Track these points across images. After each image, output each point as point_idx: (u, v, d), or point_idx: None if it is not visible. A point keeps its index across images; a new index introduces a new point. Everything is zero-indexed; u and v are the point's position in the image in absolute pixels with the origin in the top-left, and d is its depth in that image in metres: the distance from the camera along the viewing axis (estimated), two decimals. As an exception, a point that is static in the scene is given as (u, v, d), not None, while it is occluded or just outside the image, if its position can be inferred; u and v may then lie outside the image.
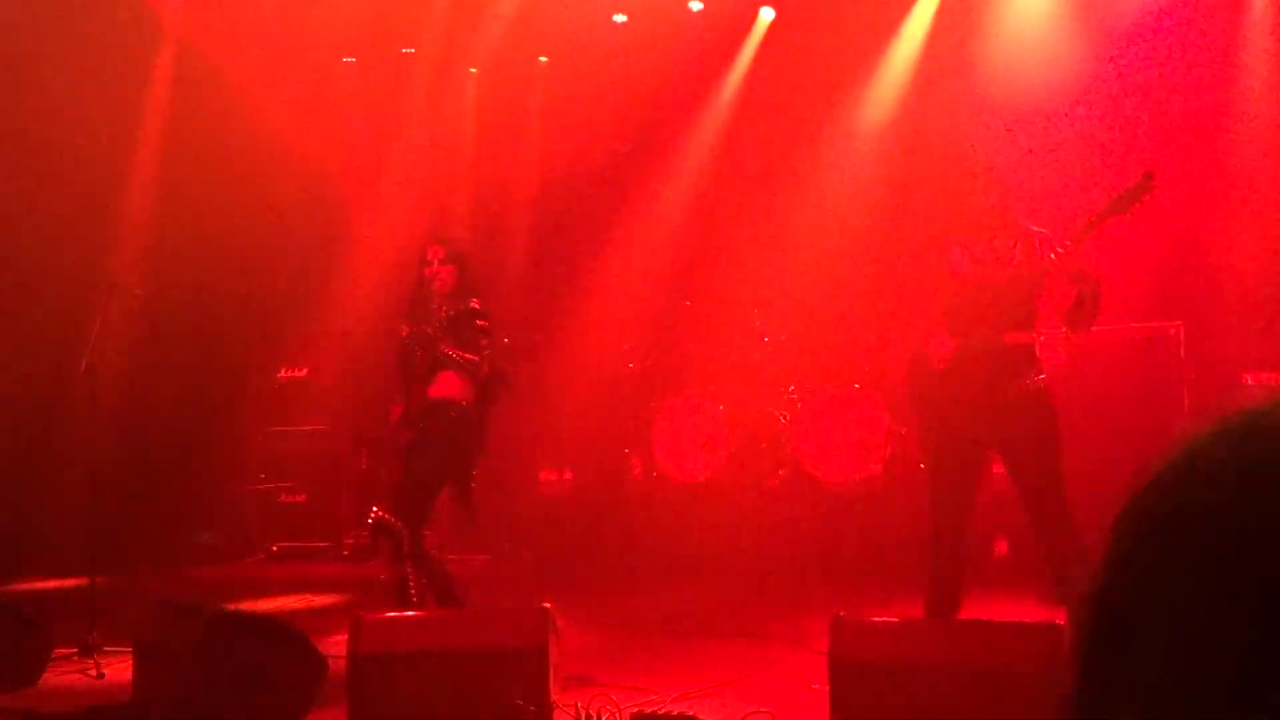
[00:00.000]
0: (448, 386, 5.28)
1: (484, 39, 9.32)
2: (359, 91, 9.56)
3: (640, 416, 8.40)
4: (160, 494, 8.50)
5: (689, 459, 8.10)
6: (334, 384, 9.01)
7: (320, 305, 9.29)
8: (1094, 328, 4.52)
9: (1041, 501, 4.44)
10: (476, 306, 5.34)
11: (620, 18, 9.19)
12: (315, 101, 9.29)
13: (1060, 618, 4.42)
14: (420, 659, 4.14)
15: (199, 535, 8.87)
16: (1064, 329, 4.63)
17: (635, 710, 4.22)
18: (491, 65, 9.55)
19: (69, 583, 6.78)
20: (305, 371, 9.08)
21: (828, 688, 3.79)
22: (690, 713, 4.19)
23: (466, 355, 5.26)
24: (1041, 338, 4.59)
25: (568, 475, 8.82)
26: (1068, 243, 4.24)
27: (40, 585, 7.43)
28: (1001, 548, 7.06)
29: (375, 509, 5.22)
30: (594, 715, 4.17)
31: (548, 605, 4.40)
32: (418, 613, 4.86)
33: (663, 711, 4.28)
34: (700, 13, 9.15)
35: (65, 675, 5.34)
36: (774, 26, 9.42)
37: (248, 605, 6.81)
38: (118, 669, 5.23)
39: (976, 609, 4.87)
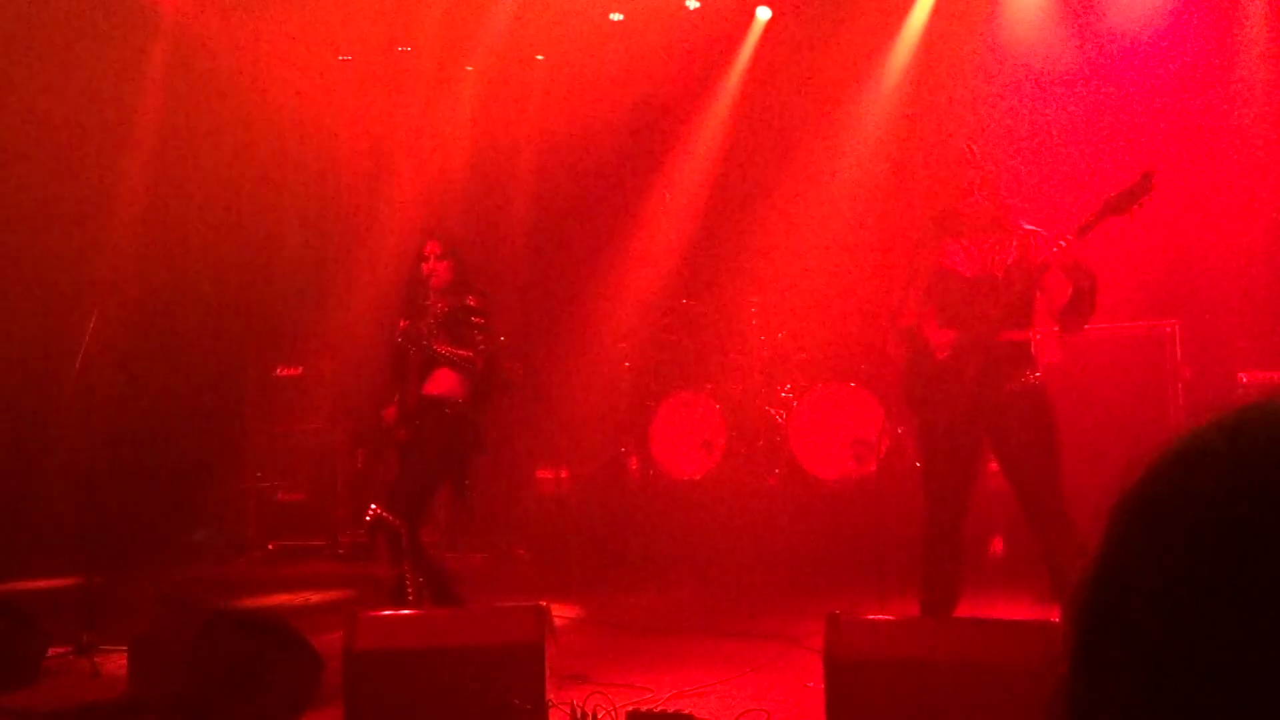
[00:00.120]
0: (444, 384, 5.27)
1: (481, 37, 9.32)
2: (356, 89, 9.55)
3: (637, 415, 8.40)
4: (156, 492, 8.49)
5: (686, 457, 8.10)
6: (331, 382, 9.00)
7: (317, 303, 9.29)
8: (1089, 326, 4.53)
9: (1037, 499, 4.44)
10: (473, 303, 5.32)
11: (617, 16, 9.19)
12: (311, 100, 9.28)
13: (1056, 616, 4.43)
14: (416, 657, 4.14)
15: (195, 533, 8.86)
16: (1055, 328, 4.64)
17: (631, 708, 4.22)
18: (488, 63, 9.54)
19: (65, 581, 6.77)
20: (302, 370, 9.07)
21: (823, 686, 3.79)
22: (686, 711, 4.20)
23: (462, 352, 5.24)
24: (1037, 336, 4.59)
25: (564, 473, 8.83)
26: (1070, 236, 4.24)
27: (36, 584, 7.42)
28: (998, 546, 7.07)
29: (373, 507, 5.20)
30: (590, 713, 4.17)
31: (544, 603, 4.40)
32: (413, 610, 4.85)
33: (658, 710, 4.28)
34: (697, 11, 9.15)
35: (61, 674, 5.33)
36: (771, 25, 9.42)
37: (244, 603, 6.81)
38: (113, 667, 5.22)
39: (973, 607, 4.87)
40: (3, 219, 8.30)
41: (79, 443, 6.05)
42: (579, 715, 4.16)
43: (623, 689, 4.67)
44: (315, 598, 7.17)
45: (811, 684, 4.24)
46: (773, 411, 8.06)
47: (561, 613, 5.93)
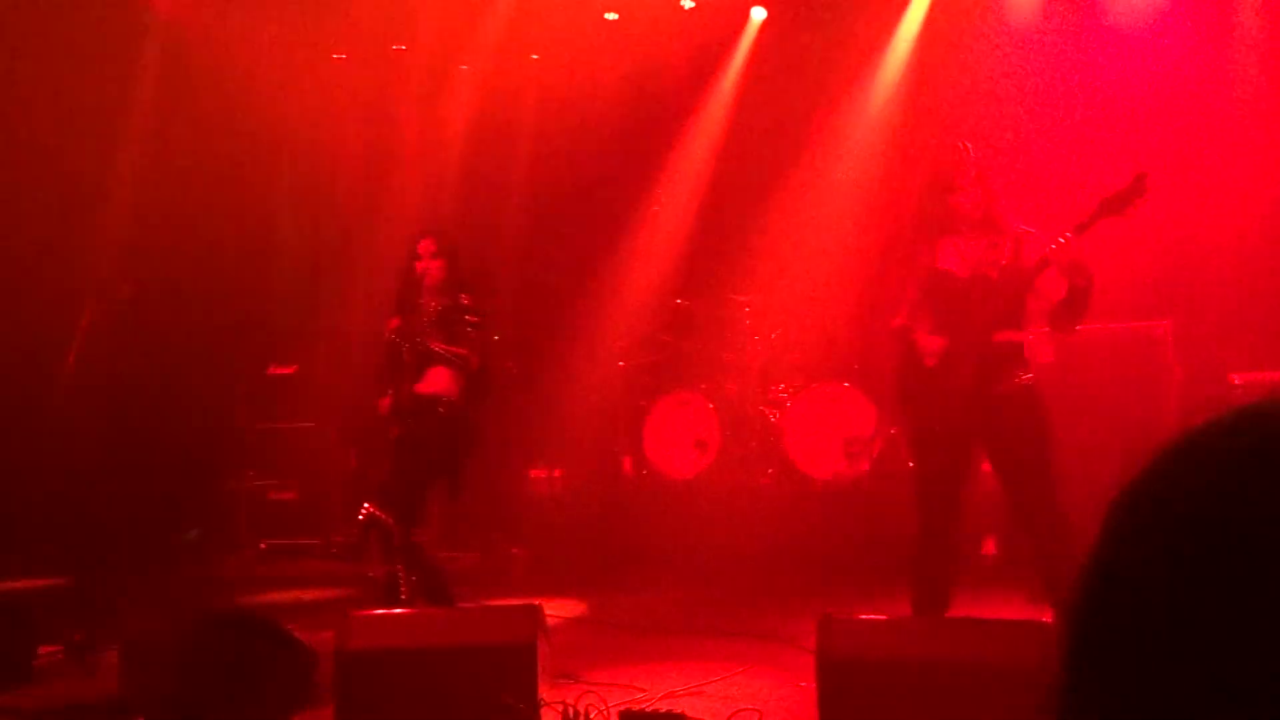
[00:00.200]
0: (437, 382, 5.26)
1: (476, 36, 9.31)
2: (350, 88, 9.53)
3: (631, 414, 8.40)
4: (148, 490, 8.47)
5: (679, 457, 8.10)
6: (324, 380, 8.99)
7: (310, 302, 9.28)
8: (1082, 326, 4.53)
9: (1029, 500, 4.45)
10: (466, 302, 5.31)
11: (612, 15, 9.19)
12: (306, 98, 9.27)
13: (1048, 616, 4.43)
14: (408, 656, 4.13)
15: (187, 532, 8.84)
16: (1047, 328, 4.64)
17: (623, 708, 4.22)
18: (483, 62, 9.53)
19: (55, 580, 6.75)
20: (294, 368, 9.05)
21: (815, 686, 3.79)
22: (678, 710, 4.19)
23: (455, 350, 5.23)
24: (1030, 337, 4.59)
25: (558, 473, 8.82)
26: (1068, 234, 4.24)
27: (26, 583, 7.39)
28: (990, 546, 7.08)
29: (366, 505, 5.19)
30: (582, 713, 4.17)
31: (536, 603, 4.39)
32: (406, 610, 4.85)
33: (651, 709, 4.28)
34: (691, 11, 9.15)
35: (51, 674, 5.32)
36: (765, 26, 9.43)
37: (237, 602, 6.80)
38: (105, 667, 5.21)
39: (965, 607, 4.87)
40: (-5, 216, 8.28)
41: (70, 441, 6.02)
42: (571, 715, 4.16)
43: (615, 688, 4.67)
44: (307, 597, 7.16)
45: (804, 684, 4.23)
46: (766, 411, 8.07)
47: (554, 612, 5.92)
